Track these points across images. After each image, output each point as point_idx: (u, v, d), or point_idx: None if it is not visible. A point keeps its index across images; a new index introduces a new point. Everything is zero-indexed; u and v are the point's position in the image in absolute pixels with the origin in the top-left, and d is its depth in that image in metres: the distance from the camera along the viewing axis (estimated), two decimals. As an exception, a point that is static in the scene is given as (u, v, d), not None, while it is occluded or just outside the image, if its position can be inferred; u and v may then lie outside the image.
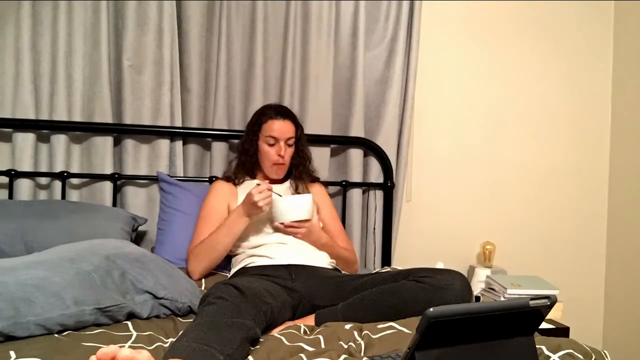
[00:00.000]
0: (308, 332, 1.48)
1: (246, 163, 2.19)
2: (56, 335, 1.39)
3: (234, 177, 2.19)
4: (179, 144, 2.34)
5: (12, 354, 1.22)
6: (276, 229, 2.01)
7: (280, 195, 1.98)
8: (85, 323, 1.45)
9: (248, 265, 1.92)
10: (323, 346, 1.34)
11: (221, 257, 1.96)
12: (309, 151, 2.29)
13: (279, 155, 2.12)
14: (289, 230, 1.98)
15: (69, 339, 1.36)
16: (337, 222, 2.23)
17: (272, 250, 1.95)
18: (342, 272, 2.04)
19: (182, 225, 2.17)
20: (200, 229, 2.04)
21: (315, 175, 2.30)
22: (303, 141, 2.26)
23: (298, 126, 2.21)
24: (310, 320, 1.64)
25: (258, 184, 1.92)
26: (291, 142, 2.17)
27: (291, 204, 1.96)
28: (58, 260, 1.58)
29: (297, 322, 1.62)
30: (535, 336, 1.23)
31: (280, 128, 2.12)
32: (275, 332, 1.43)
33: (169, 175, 2.28)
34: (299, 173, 2.23)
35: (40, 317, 1.39)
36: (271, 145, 2.13)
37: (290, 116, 2.18)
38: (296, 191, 2.20)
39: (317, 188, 2.26)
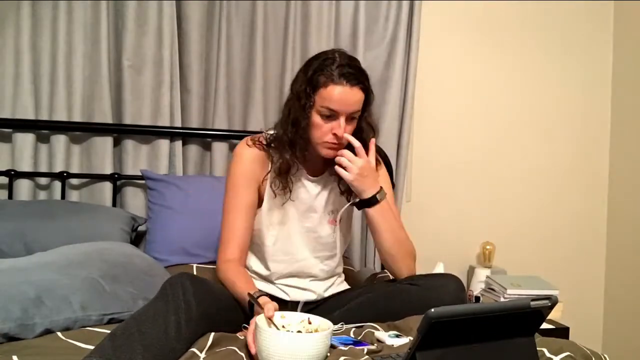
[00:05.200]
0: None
1: (296, 142, 1.61)
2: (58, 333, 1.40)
3: (279, 165, 1.64)
4: (178, 144, 2.33)
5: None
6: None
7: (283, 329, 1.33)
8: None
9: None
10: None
11: None
12: (376, 127, 1.72)
13: (334, 135, 1.58)
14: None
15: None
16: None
17: (284, 282, 1.72)
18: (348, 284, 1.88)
19: (170, 222, 2.14)
20: (228, 228, 1.65)
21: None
22: (369, 113, 1.67)
23: (369, 93, 1.63)
24: None
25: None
26: (356, 115, 1.60)
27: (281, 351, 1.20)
28: (67, 263, 1.59)
29: None
30: (535, 337, 1.23)
31: (343, 98, 1.54)
32: None
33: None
34: None
35: (47, 320, 1.40)
36: (327, 118, 1.57)
37: (361, 80, 1.58)
38: (341, 192, 1.71)
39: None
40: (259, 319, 1.27)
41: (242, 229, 1.65)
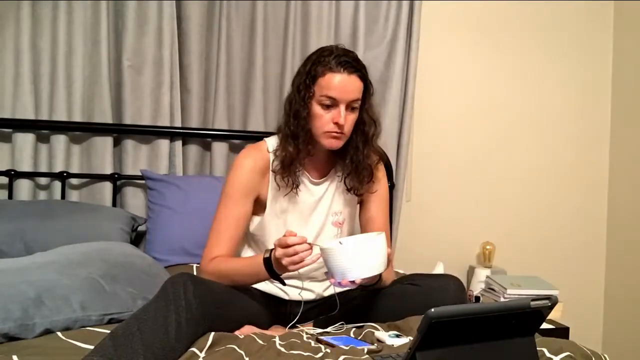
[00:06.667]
0: (310, 335, 1.47)
1: (298, 134, 1.61)
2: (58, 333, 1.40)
3: (278, 164, 1.63)
4: (178, 144, 2.33)
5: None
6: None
7: (340, 243, 1.46)
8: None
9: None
10: (324, 349, 1.33)
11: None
12: (378, 121, 1.70)
13: (336, 124, 1.58)
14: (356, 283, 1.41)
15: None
16: (387, 225, 1.80)
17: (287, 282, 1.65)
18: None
19: (169, 222, 2.14)
20: (216, 234, 1.64)
21: (378, 156, 1.75)
22: (369, 105, 1.67)
23: (368, 84, 1.64)
24: (308, 326, 1.63)
25: (285, 235, 1.41)
26: (356, 104, 1.61)
27: (361, 255, 1.36)
28: (67, 263, 1.59)
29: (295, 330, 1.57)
30: (535, 337, 1.23)
31: (342, 85, 1.56)
32: (276, 337, 1.41)
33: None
34: (355, 156, 1.66)
35: (47, 320, 1.40)
36: (327, 107, 1.58)
37: (359, 69, 1.60)
38: (347, 189, 1.69)
39: (378, 182, 1.75)
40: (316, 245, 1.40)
41: (230, 237, 1.64)
